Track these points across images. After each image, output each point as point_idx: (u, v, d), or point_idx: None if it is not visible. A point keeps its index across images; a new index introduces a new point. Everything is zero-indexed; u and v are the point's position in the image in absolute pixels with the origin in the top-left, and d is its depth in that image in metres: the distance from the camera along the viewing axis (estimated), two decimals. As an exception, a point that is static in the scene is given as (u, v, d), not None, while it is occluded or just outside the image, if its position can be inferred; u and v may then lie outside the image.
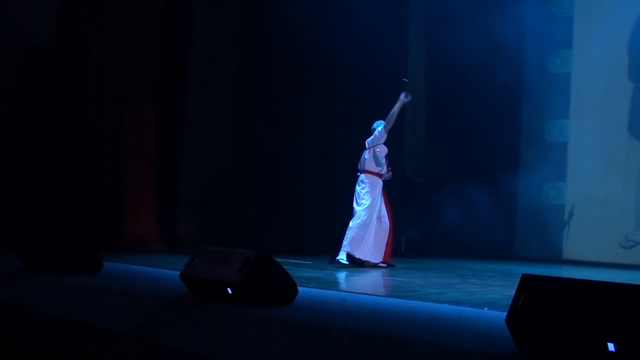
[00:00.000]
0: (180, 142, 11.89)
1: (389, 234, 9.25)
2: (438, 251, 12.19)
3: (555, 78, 12.45)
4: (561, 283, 3.28)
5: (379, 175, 9.20)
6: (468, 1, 12.61)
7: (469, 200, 11.44)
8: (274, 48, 12.37)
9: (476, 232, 11.53)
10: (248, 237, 11.48)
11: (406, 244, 12.44)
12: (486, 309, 4.88)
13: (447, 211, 11.55)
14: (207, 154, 12.31)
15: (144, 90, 11.45)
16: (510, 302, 3.33)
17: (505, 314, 3.33)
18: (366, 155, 9.22)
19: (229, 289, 4.61)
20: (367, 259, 8.99)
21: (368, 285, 7.60)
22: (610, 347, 2.89)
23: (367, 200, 9.04)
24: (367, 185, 9.11)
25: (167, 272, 7.01)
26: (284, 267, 4.82)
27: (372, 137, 9.21)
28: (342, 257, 8.94)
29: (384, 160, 9.17)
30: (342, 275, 8.15)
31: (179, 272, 5.15)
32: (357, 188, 9.16)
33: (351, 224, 9.04)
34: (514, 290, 3.34)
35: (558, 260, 11.84)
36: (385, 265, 9.19)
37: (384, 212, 9.22)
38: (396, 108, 9.09)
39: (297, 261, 9.40)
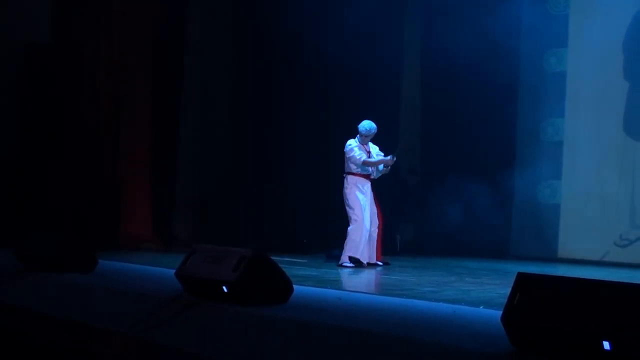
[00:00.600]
0: (175, 141, 11.89)
1: (378, 233, 9.26)
2: (433, 250, 12.18)
3: (550, 77, 12.44)
4: (556, 282, 3.29)
5: (362, 175, 9.17)
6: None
7: (464, 199, 11.43)
8: (269, 48, 12.36)
9: (471, 230, 11.52)
10: (243, 236, 11.47)
11: (401, 242, 12.44)
12: (482, 307, 4.88)
13: (442, 210, 11.55)
14: (202, 153, 12.31)
15: (140, 90, 11.45)
16: (505, 300, 3.34)
17: (500, 312, 3.34)
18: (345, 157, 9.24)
19: (224, 288, 4.62)
20: (367, 260, 9.02)
21: (363, 284, 7.61)
22: (606, 345, 2.89)
23: (353, 202, 9.07)
24: (348, 186, 9.13)
25: (163, 270, 7.01)
26: (280, 265, 4.82)
27: (349, 148, 9.14)
28: (345, 261, 8.97)
29: (362, 160, 9.09)
30: (337, 274, 8.15)
31: (174, 271, 5.15)
32: (343, 191, 9.20)
33: (349, 228, 9.06)
34: (510, 289, 3.35)
35: (553, 258, 11.84)
36: (381, 264, 9.21)
37: (374, 211, 9.22)
38: (377, 162, 9.08)
39: (293, 260, 9.40)
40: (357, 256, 8.94)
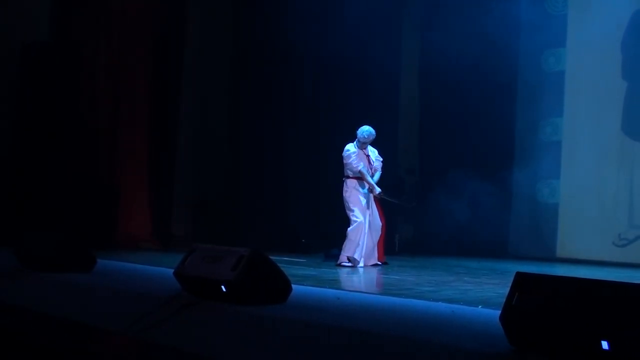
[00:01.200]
0: (174, 141, 11.89)
1: (381, 235, 9.27)
2: (432, 249, 12.19)
3: (549, 76, 12.46)
4: (555, 281, 3.29)
5: (359, 178, 9.17)
6: (462, -1, 12.63)
7: (463, 198, 11.44)
8: (267, 47, 12.36)
9: (470, 230, 11.53)
10: (242, 235, 11.48)
11: (400, 242, 12.44)
12: (480, 307, 4.88)
13: (441, 209, 11.55)
14: (200, 153, 12.31)
15: (139, 90, 11.45)
16: (504, 300, 3.34)
17: (499, 312, 3.34)
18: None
19: (223, 287, 4.61)
20: (365, 261, 9.02)
21: (362, 283, 7.61)
22: (604, 345, 2.89)
23: (353, 204, 9.09)
24: (348, 189, 9.15)
25: (161, 270, 7.00)
26: (278, 265, 4.82)
27: (347, 154, 9.14)
28: (344, 261, 8.97)
29: (358, 169, 9.10)
30: (336, 273, 8.15)
31: (172, 270, 5.15)
32: (343, 195, 9.21)
33: (348, 229, 9.07)
34: (508, 289, 3.35)
35: (552, 258, 11.85)
36: (380, 263, 9.22)
37: (375, 213, 9.23)
38: (370, 183, 9.07)
39: (291, 259, 9.40)
40: (356, 256, 8.95)
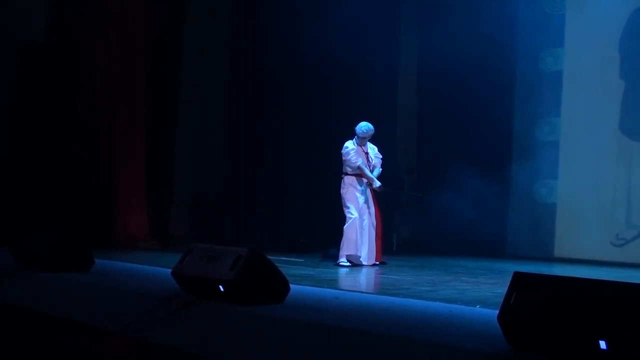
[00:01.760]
0: (171, 141, 11.88)
1: (377, 233, 9.26)
2: (430, 249, 12.20)
3: (547, 76, 12.47)
4: (553, 281, 3.29)
5: (359, 175, 9.17)
6: (460, -1, 12.64)
7: (460, 198, 11.45)
8: (265, 47, 12.36)
9: (468, 230, 11.54)
10: (240, 235, 11.47)
11: (398, 241, 12.45)
12: (478, 306, 4.89)
13: (439, 209, 11.56)
14: (198, 152, 12.31)
15: (138, 90, 11.45)
16: (502, 299, 3.34)
17: (497, 311, 3.34)
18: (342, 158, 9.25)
19: (220, 287, 4.61)
20: (363, 260, 9.02)
21: (360, 283, 7.61)
22: (602, 344, 2.90)
23: (349, 200, 9.09)
24: (345, 186, 9.16)
25: (159, 270, 7.00)
26: (276, 264, 4.82)
27: (346, 150, 9.15)
28: (342, 260, 8.97)
29: (357, 165, 9.11)
30: (334, 273, 8.15)
31: (170, 270, 5.15)
32: (341, 191, 9.22)
33: (344, 227, 9.07)
34: (506, 288, 3.35)
35: (550, 258, 11.87)
36: (378, 263, 9.22)
37: (372, 211, 9.23)
38: (369, 177, 9.06)
39: (289, 259, 9.40)
40: (354, 254, 8.94)
